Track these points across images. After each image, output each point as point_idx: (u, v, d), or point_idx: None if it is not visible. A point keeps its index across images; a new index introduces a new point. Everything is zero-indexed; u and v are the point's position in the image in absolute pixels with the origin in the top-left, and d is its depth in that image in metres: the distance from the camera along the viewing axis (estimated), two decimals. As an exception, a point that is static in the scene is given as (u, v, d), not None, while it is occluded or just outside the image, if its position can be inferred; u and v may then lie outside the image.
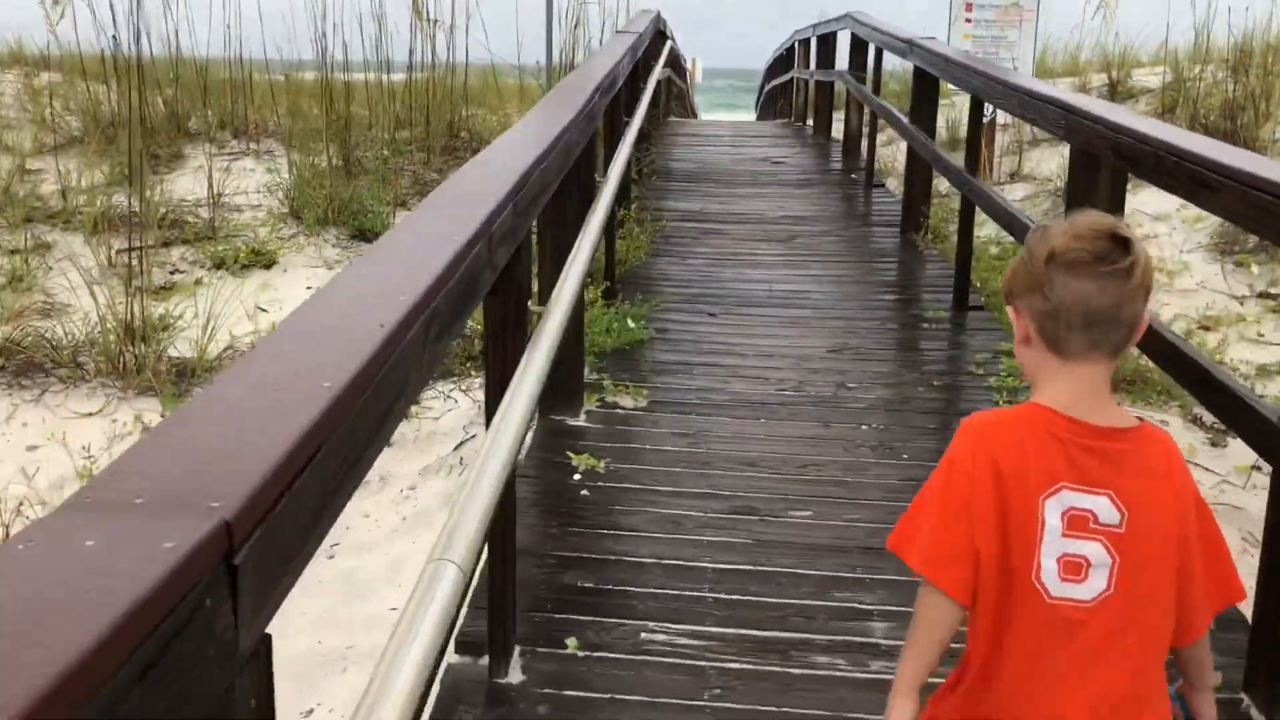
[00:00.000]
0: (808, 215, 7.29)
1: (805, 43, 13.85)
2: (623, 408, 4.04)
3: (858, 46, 9.46)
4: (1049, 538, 1.33)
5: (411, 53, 9.29)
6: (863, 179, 8.42)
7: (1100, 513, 1.33)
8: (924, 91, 6.48)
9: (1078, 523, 1.33)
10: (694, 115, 24.59)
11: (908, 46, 6.55)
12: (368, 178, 7.62)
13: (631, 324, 4.76)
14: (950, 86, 7.00)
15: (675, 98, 18.33)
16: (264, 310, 5.40)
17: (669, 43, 14.16)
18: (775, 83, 18.68)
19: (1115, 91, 11.13)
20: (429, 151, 8.46)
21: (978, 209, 5.00)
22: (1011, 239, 5.03)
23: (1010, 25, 10.10)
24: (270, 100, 9.38)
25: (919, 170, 6.62)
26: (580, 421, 3.89)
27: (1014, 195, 9.36)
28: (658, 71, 7.49)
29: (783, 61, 17.45)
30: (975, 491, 1.35)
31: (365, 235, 6.46)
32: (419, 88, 8.95)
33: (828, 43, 11.72)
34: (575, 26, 9.67)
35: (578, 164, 3.43)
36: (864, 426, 3.90)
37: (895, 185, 9.14)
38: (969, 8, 10.10)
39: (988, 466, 1.35)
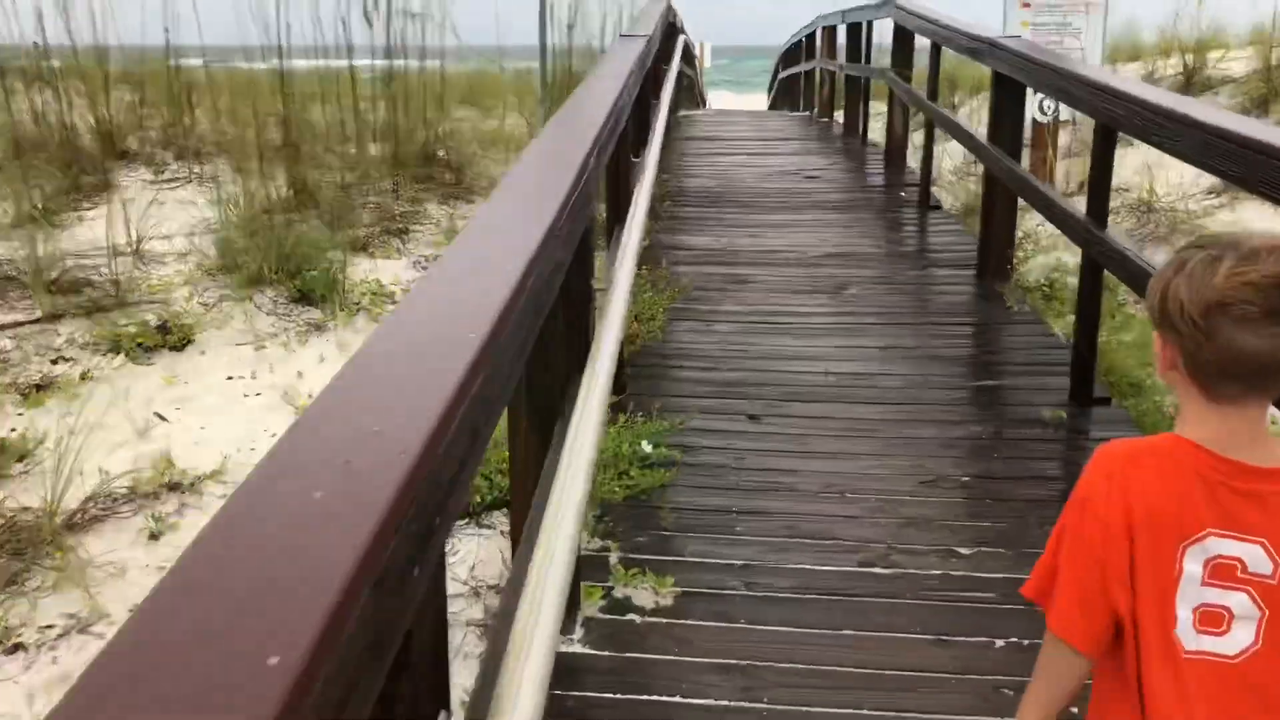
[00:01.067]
0: (857, 253, 5.97)
1: (831, 30, 12.47)
2: (640, 610, 2.75)
3: (902, 39, 8.11)
4: (1186, 587, 1.24)
5: (386, 52, 8.00)
6: (915, 199, 7.09)
7: (1250, 561, 1.23)
8: (1007, 105, 5.16)
9: (1223, 571, 1.23)
10: (703, 102, 23.34)
11: (987, 47, 5.21)
12: (322, 211, 6.33)
13: (648, 448, 3.47)
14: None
15: (684, 89, 16.98)
16: (163, 419, 4.11)
17: (682, 37, 12.82)
18: (793, 71, 17.27)
19: (1191, 81, 9.76)
20: (400, 172, 7.15)
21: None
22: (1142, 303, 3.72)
23: (1076, 11, 8.72)
24: (214, 106, 8.10)
25: (1001, 202, 5.30)
26: (576, 644, 2.60)
27: (1083, 209, 8.03)
28: (670, 86, 6.17)
29: (802, 48, 16.06)
30: (1108, 538, 1.26)
31: (308, 297, 5.17)
32: (389, 89, 7.65)
33: (859, 32, 10.36)
34: (570, 28, 8.32)
35: (563, 292, 2.13)
36: (1006, 644, 2.60)
37: (950, 201, 7.81)
38: (1027, -9, 8.74)
39: (1122, 508, 1.26)
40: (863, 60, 9.90)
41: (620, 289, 2.33)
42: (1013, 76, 4.89)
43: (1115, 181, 8.45)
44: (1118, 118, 3.57)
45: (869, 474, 3.47)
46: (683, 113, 15.43)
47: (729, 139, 10.41)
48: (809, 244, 6.12)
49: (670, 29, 9.41)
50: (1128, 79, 4.62)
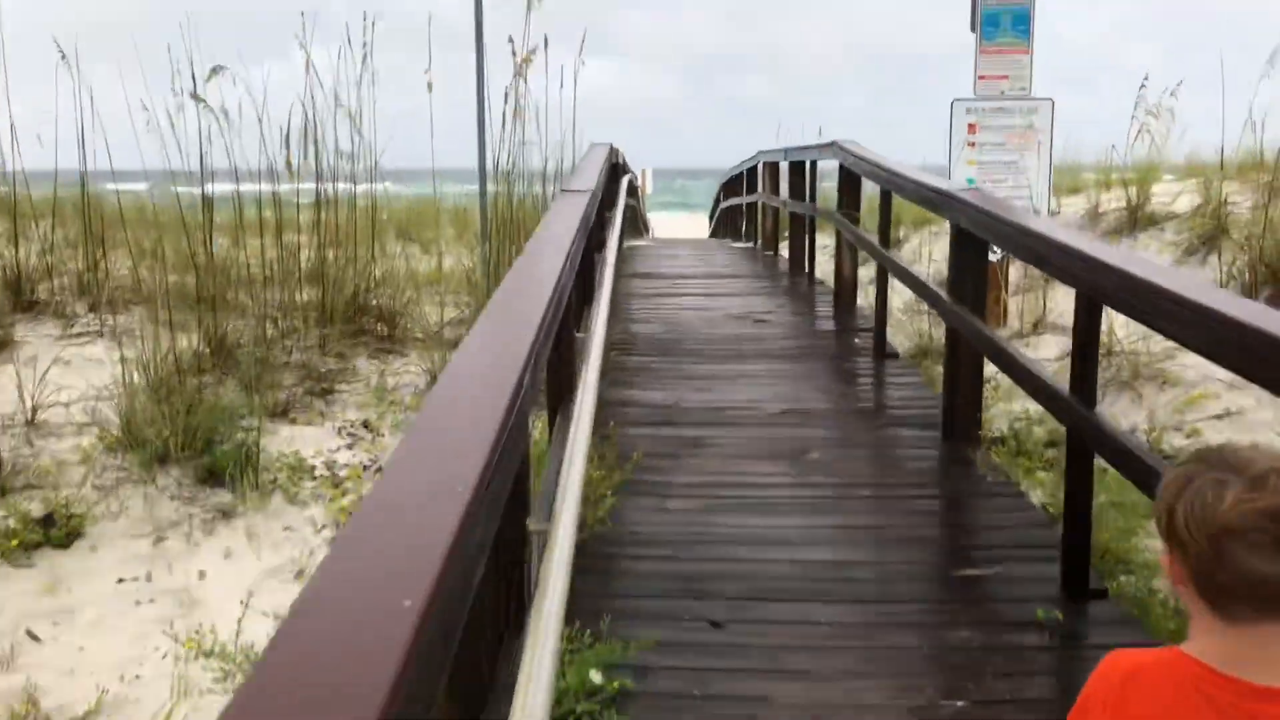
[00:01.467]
0: (814, 409, 5.62)
1: (773, 166, 12.46)
2: None
3: (849, 179, 7.97)
4: None
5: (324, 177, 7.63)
6: (869, 346, 6.82)
7: None
8: (968, 259, 4.91)
9: None
10: (646, 229, 23.42)
11: (945, 200, 4.99)
12: (242, 370, 5.87)
13: (598, 678, 2.99)
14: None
15: (629, 221, 16.91)
16: (35, 638, 3.55)
17: (626, 177, 12.74)
18: (734, 201, 17.33)
19: (1135, 217, 9.76)
20: (328, 324, 6.73)
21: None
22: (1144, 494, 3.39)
23: (1022, 148, 8.69)
24: (136, 243, 7.66)
25: (966, 360, 5.00)
26: None
27: (1042, 353, 7.82)
28: (615, 238, 5.88)
29: (743, 180, 16.12)
30: None
31: (218, 476, 4.67)
32: (318, 229, 7.28)
33: (802, 170, 10.28)
34: (510, 170, 8.07)
35: (494, 546, 1.71)
36: None
37: (902, 342, 7.55)
38: (972, 129, 8.69)
39: None
40: (807, 198, 9.79)
41: (563, 545, 1.90)
42: (974, 233, 4.65)
43: (1066, 320, 8.33)
44: (1106, 292, 3.28)
45: (852, 700, 3.02)
46: (628, 244, 15.31)
47: (675, 276, 10.18)
48: (763, 399, 5.78)
49: (614, 171, 9.23)
50: (1116, 249, 4.31)
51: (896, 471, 4.86)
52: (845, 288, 8.17)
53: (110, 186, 8.55)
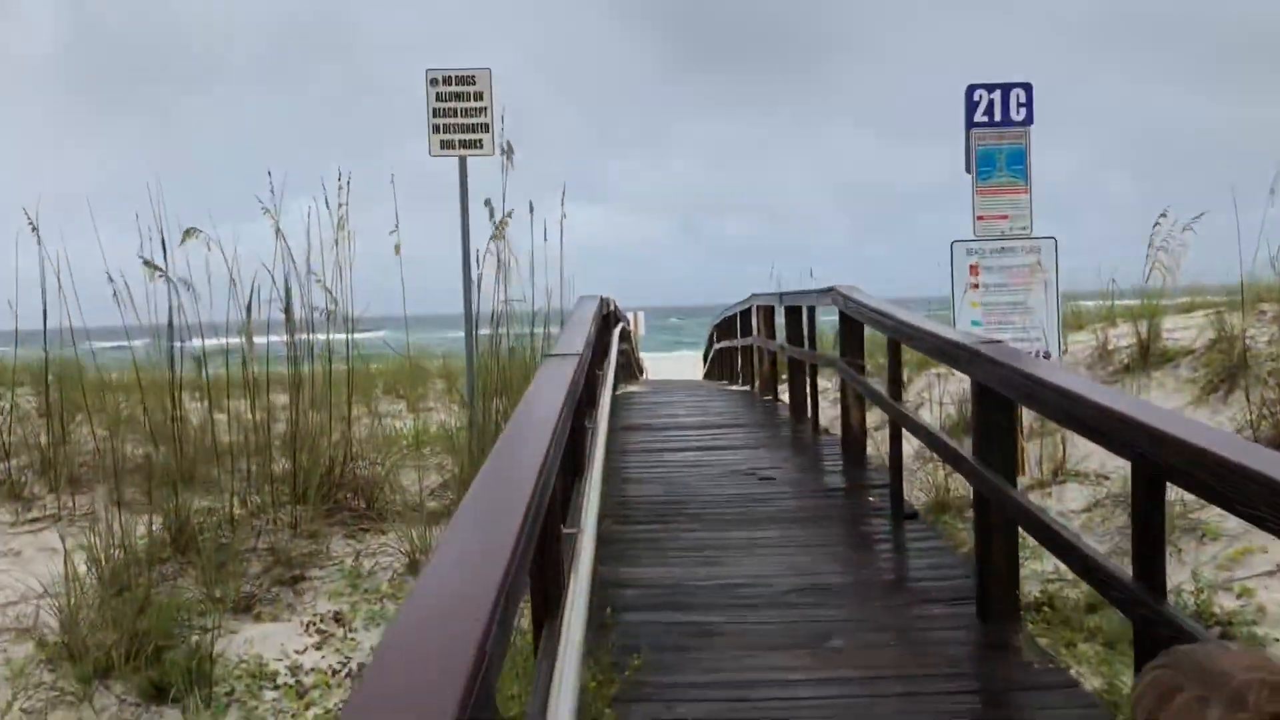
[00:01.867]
0: (833, 584, 5.11)
1: (768, 309, 12.20)
2: None
3: (851, 325, 7.63)
4: None
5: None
6: (884, 504, 6.35)
7: None
8: (995, 419, 4.48)
9: None
10: (640, 371, 23.16)
11: (968, 355, 4.59)
12: (205, 558, 5.36)
13: None
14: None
15: (622, 366, 16.60)
16: None
17: (620, 325, 12.46)
18: (728, 344, 17.07)
19: (1147, 354, 9.41)
20: (300, 501, 6.25)
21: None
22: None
23: (1028, 288, 8.39)
24: (101, 407, 7.23)
25: (999, 529, 4.53)
26: None
27: (1067, 504, 7.35)
28: (606, 402, 5.48)
29: (736, 322, 15.88)
30: None
31: (162, 691, 4.12)
32: (297, 392, 6.86)
33: (799, 315, 9.98)
34: (495, 328, 7.72)
35: None
36: None
37: (915, 494, 7.08)
38: (974, 270, 8.41)
39: None
40: (806, 344, 9.45)
41: None
42: (1003, 393, 4.24)
43: (1088, 466, 7.87)
44: (1172, 467, 2.84)
45: None
46: (622, 390, 14.95)
47: (672, 427, 9.75)
48: (775, 573, 5.27)
49: (605, 322, 8.92)
50: (1179, 415, 3.85)
51: (929, 659, 4.33)
52: (853, 438, 7.74)
53: (87, 346, 8.20)
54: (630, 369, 19.48)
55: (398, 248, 7.71)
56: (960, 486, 7.24)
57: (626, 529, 6.05)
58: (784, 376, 12.51)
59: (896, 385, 6.16)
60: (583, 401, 4.61)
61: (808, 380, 9.48)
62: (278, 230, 6.39)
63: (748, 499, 6.68)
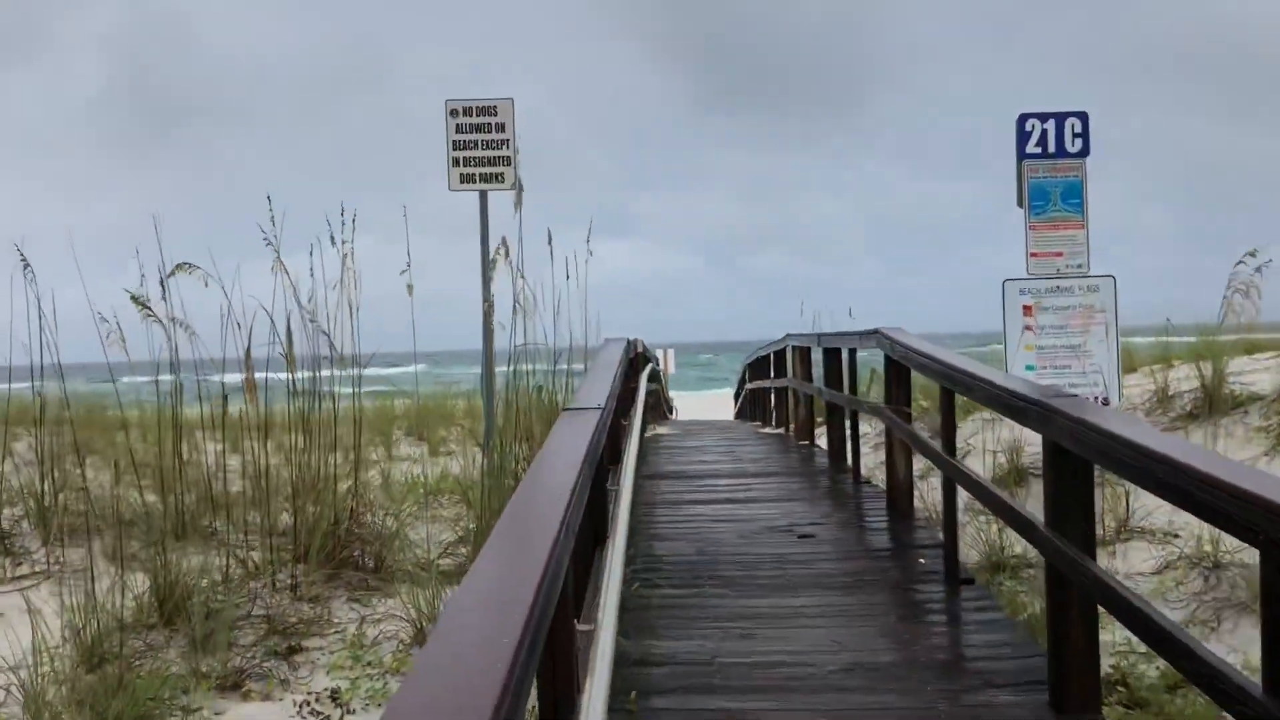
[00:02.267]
0: (882, 664, 4.57)
1: (804, 351, 11.69)
2: None
3: (897, 370, 7.11)
4: None
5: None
6: (937, 568, 5.80)
7: None
8: (1071, 485, 3.95)
9: None
10: (670, 410, 22.68)
11: (1035, 409, 4.07)
12: (195, 624, 4.90)
13: None
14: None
15: (651, 407, 16.13)
16: None
17: (649, 366, 12.00)
18: (761, 385, 16.55)
19: (1212, 400, 8.80)
20: (302, 559, 5.79)
21: None
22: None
23: (1085, 329, 7.85)
24: (110, 447, 6.82)
25: (1077, 607, 3.98)
26: None
27: (1134, 566, 6.75)
28: (632, 456, 5.00)
29: (770, 362, 15.37)
30: None
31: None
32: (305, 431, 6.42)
33: (838, 357, 9.47)
34: (516, 366, 7.28)
35: None
36: None
37: (966, 552, 6.51)
38: (1028, 311, 7.89)
39: None
40: (845, 388, 8.92)
41: None
42: (1081, 454, 3.71)
43: (1154, 522, 7.26)
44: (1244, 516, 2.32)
45: None
46: (651, 432, 14.45)
47: (703, 475, 9.24)
48: (819, 649, 4.73)
49: (633, 365, 8.46)
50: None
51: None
52: (899, 491, 7.20)
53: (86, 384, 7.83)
54: (660, 409, 19.01)
55: (410, 288, 7.29)
56: (1016, 542, 6.68)
57: (653, 594, 5.53)
58: (820, 419, 11.99)
59: (950, 439, 5.63)
60: (604, 461, 4.14)
61: (849, 427, 8.95)
62: (277, 261, 6.00)
63: (785, 560, 6.15)
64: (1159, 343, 11.05)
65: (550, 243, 6.95)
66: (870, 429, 10.86)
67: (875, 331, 7.30)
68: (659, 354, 25.10)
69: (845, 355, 8.78)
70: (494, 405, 7.80)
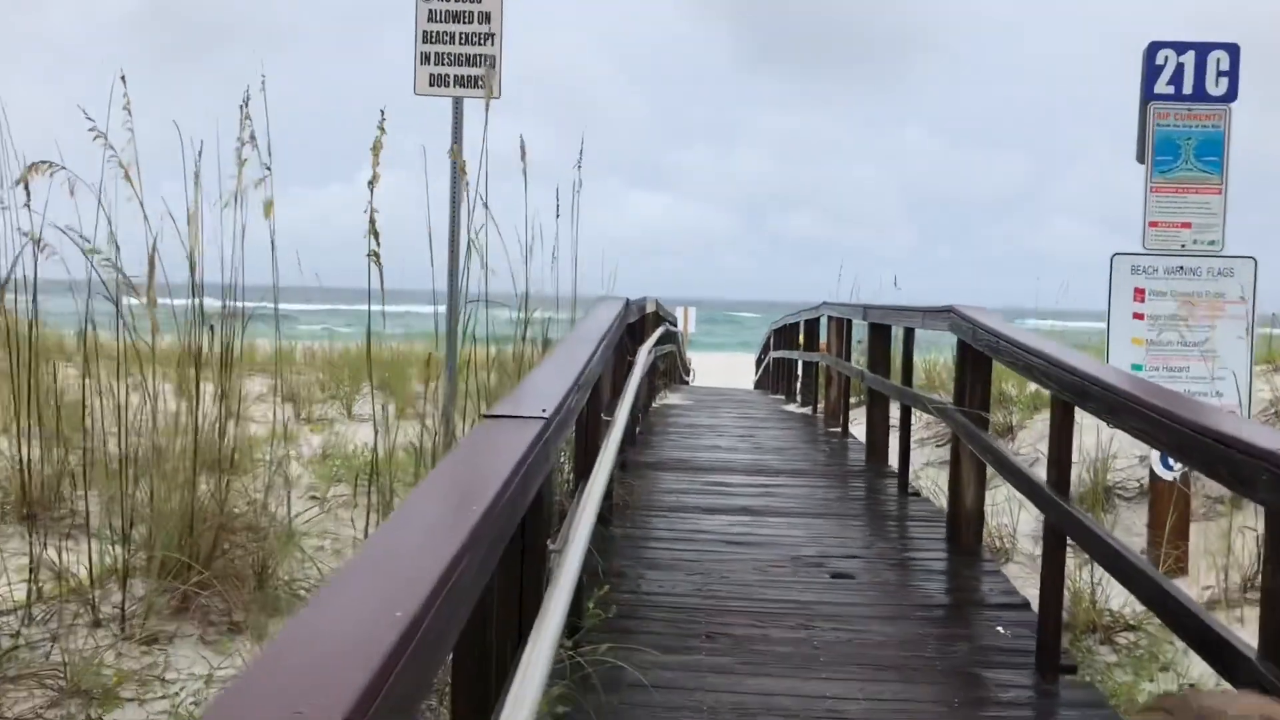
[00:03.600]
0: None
1: (841, 324, 10.02)
2: None
3: (975, 361, 5.46)
4: None
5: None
6: (1024, 644, 4.17)
7: None
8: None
9: None
10: (686, 372, 21.08)
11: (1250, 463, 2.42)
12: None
13: None
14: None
15: (665, 372, 14.52)
16: None
17: (662, 328, 10.39)
18: (788, 355, 14.89)
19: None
20: (139, 575, 4.22)
21: None
22: None
23: (1212, 323, 6.14)
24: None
25: None
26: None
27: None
28: (600, 482, 3.34)
29: (800, 331, 13.70)
30: None
31: None
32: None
33: (888, 336, 7.81)
34: (467, 327, 5.67)
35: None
36: None
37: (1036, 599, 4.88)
38: (1139, 295, 6.20)
39: None
40: (899, 376, 7.25)
41: None
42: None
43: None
44: None
45: None
46: (661, 402, 12.84)
47: (714, 467, 7.63)
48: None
49: (632, 332, 6.84)
50: None
51: None
52: (964, 519, 5.56)
53: None
54: (675, 372, 17.39)
55: (374, 222, 5.66)
56: (1115, 596, 5.06)
57: (630, 660, 3.92)
58: (855, 399, 10.34)
59: (1064, 472, 3.97)
60: (541, 514, 2.52)
61: (899, 422, 7.30)
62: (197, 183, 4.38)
63: (814, 614, 4.53)
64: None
65: (524, 159, 5.29)
66: (915, 419, 9.21)
67: (948, 310, 5.62)
68: (678, 312, 23.45)
69: (902, 336, 7.09)
70: (457, 360, 6.20)
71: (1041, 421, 8.08)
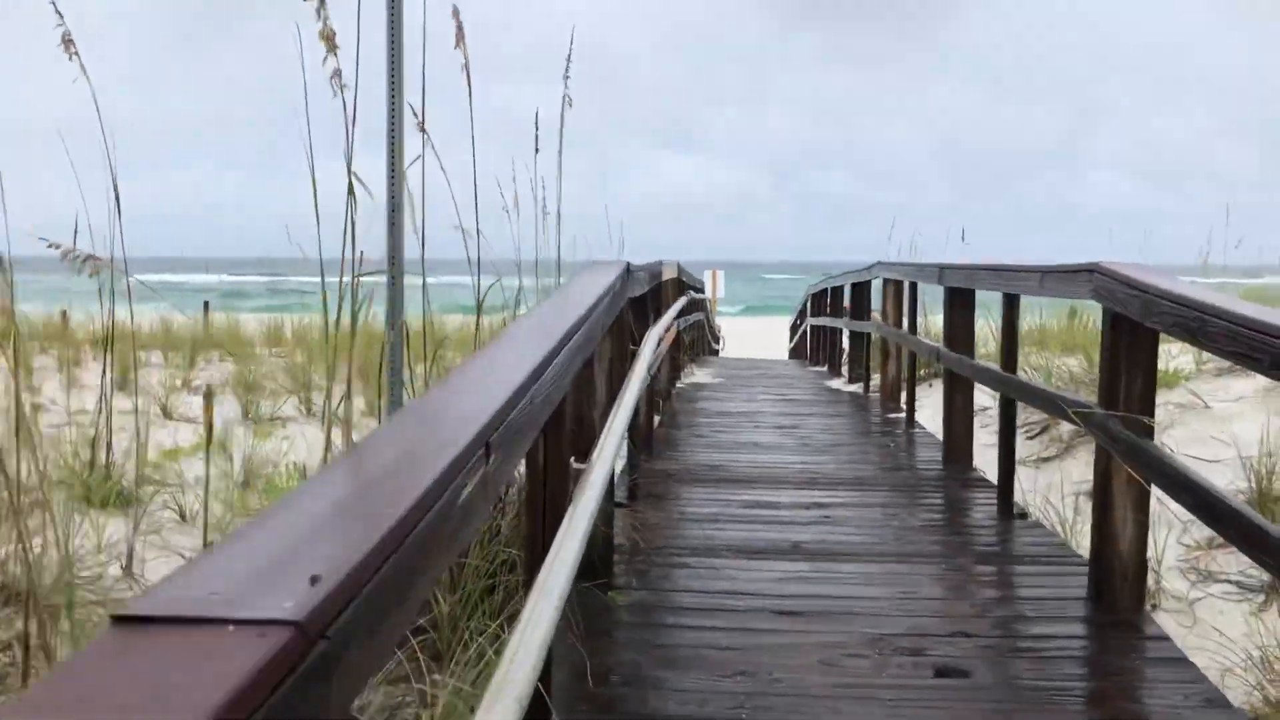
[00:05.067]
0: None
1: (899, 288, 8.29)
2: None
3: (1134, 337, 3.73)
4: None
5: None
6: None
7: None
8: None
9: None
10: (716, 340, 19.53)
11: None
12: None
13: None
14: None
15: (690, 346, 12.84)
16: None
17: (684, 298, 8.72)
18: (831, 323, 13.15)
19: None
20: None
21: None
22: None
23: None
24: None
25: None
26: None
27: None
28: (561, 577, 1.67)
29: (842, 295, 11.98)
30: None
31: None
32: None
33: (969, 303, 6.10)
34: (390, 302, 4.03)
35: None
36: None
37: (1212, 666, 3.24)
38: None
39: None
40: (1000, 360, 5.52)
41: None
42: None
43: None
44: None
45: None
46: (687, 379, 11.18)
47: (753, 478, 5.97)
48: None
49: (639, 308, 5.17)
50: None
51: None
52: (1120, 568, 3.85)
53: None
54: (703, 344, 15.71)
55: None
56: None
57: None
58: (914, 379, 8.62)
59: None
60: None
61: (994, 414, 5.59)
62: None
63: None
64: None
65: (460, 42, 3.58)
66: (989, 399, 7.50)
67: (1090, 269, 3.89)
68: (706, 276, 21.71)
69: (1004, 305, 5.31)
70: (403, 343, 4.54)
71: (1196, 419, 6.34)
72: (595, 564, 3.85)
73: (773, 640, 3.56)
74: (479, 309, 3.96)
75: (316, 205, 3.59)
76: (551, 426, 2.45)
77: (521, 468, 2.62)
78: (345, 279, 3.51)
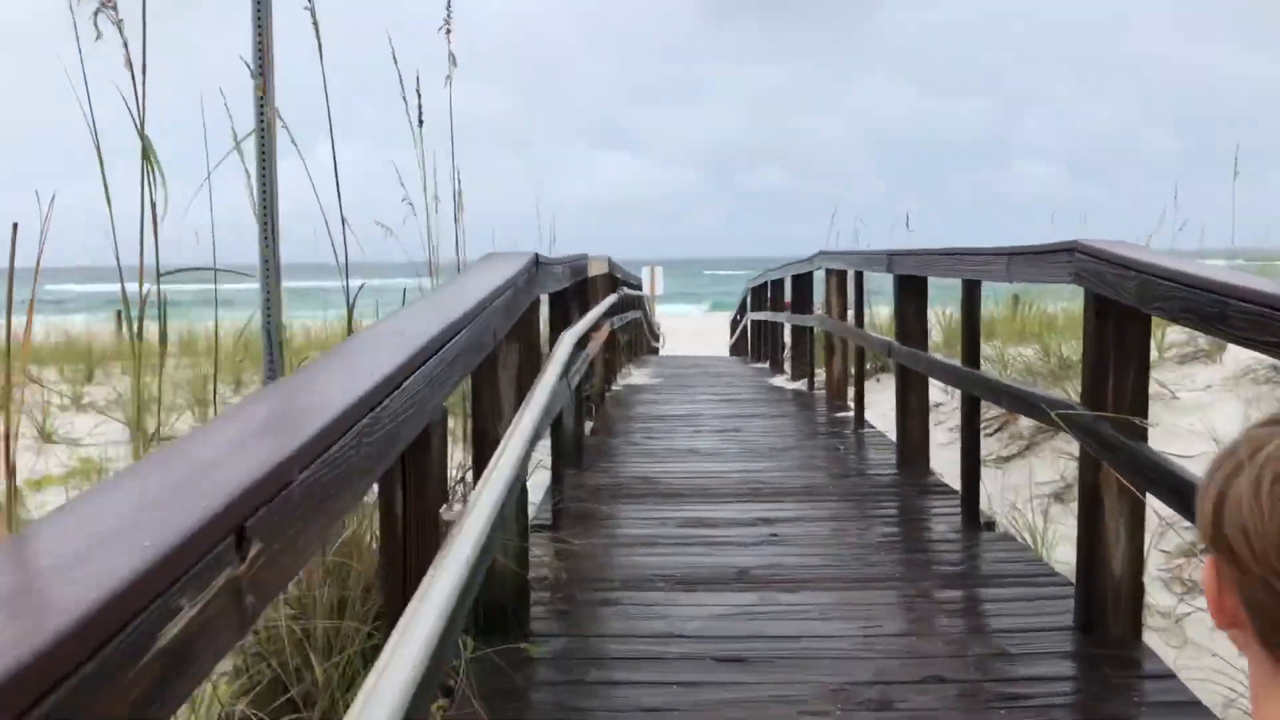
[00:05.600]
0: None
1: (843, 279, 7.78)
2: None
3: (1121, 322, 3.22)
4: None
5: None
6: None
7: None
8: None
9: None
10: (655, 338, 19.02)
11: None
12: None
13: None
14: None
15: (627, 346, 12.27)
16: None
17: (616, 295, 8.13)
18: (773, 317, 12.65)
19: None
20: None
21: None
22: None
23: None
24: None
25: None
26: None
27: None
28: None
29: (784, 288, 11.49)
30: None
31: None
32: None
33: (921, 292, 5.60)
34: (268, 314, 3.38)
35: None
36: None
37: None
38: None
39: None
40: (961, 350, 5.01)
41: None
42: None
43: None
44: None
45: None
46: (624, 380, 10.61)
47: (695, 493, 5.41)
48: None
49: (563, 297, 4.57)
50: None
51: None
52: (1111, 592, 3.34)
53: None
54: (641, 343, 15.15)
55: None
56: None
57: None
58: (862, 374, 8.13)
59: None
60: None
61: (964, 419, 5.08)
62: None
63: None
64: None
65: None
66: (942, 393, 7.04)
67: (1070, 249, 3.38)
68: (644, 273, 21.16)
69: (965, 292, 4.79)
70: (279, 351, 3.89)
71: (1165, 411, 5.89)
72: (505, 613, 3.25)
73: (716, 695, 2.98)
74: (350, 316, 3.34)
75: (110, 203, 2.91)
76: (413, 462, 1.85)
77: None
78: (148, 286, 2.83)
